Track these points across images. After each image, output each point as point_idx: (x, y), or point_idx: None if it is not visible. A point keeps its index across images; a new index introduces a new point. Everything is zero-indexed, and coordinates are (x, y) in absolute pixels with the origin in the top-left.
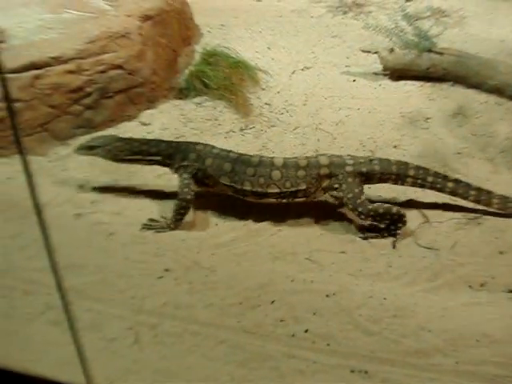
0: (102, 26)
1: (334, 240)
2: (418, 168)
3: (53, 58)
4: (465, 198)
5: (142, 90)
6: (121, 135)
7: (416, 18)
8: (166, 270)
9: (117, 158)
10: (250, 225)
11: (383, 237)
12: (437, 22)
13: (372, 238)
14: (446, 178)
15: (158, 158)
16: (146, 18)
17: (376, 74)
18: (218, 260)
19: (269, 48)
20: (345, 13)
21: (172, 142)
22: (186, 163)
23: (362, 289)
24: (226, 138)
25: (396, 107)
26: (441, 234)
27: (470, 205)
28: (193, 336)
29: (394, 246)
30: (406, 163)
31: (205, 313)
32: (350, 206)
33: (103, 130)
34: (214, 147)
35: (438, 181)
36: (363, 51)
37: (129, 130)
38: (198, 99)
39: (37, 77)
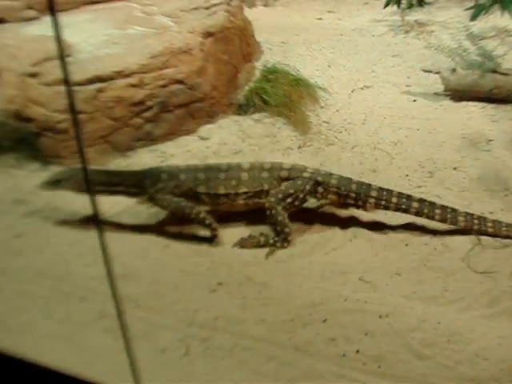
0: (164, 42)
1: (388, 261)
2: (381, 189)
3: (116, 72)
4: (431, 218)
5: (202, 104)
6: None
7: (480, 37)
8: (220, 284)
9: (82, 190)
10: (305, 242)
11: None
12: (502, 41)
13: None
14: (409, 198)
15: (124, 188)
16: (208, 34)
17: (437, 94)
18: (271, 276)
19: (329, 66)
20: (407, 32)
21: (136, 171)
22: (160, 186)
23: (415, 312)
24: (283, 154)
25: (457, 128)
26: (498, 258)
27: None
28: (243, 351)
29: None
30: (368, 184)
31: (256, 328)
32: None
33: (162, 143)
34: (177, 165)
35: (403, 201)
36: (424, 71)
37: (187, 143)
38: (256, 115)
39: (100, 90)
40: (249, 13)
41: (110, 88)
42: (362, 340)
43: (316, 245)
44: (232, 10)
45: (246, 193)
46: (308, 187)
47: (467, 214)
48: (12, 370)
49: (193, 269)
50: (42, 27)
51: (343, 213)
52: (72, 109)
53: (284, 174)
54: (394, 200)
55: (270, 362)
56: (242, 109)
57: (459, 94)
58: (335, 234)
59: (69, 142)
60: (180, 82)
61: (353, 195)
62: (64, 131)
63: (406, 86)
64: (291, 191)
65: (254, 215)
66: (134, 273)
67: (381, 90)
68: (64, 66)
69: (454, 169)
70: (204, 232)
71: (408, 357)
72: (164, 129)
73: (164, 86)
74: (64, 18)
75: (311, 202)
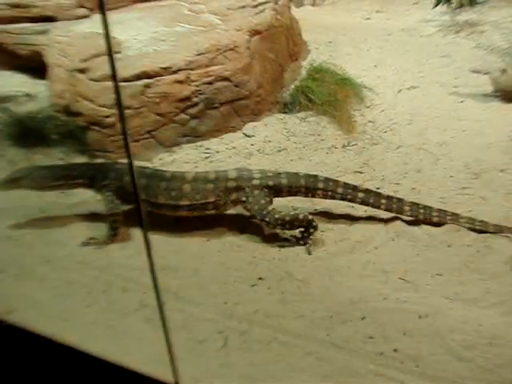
0: (211, 39)
1: (430, 261)
2: (327, 180)
3: (163, 68)
4: (376, 207)
5: (248, 102)
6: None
7: None
8: (260, 279)
9: (42, 187)
10: (345, 240)
11: (299, 244)
12: None
13: (287, 246)
14: (355, 188)
15: (81, 180)
16: (255, 32)
17: (486, 95)
18: (311, 273)
19: (375, 66)
20: (456, 32)
21: (93, 163)
22: (106, 182)
23: (456, 313)
24: (327, 153)
25: (505, 130)
26: None
27: None
28: (281, 345)
29: (309, 253)
30: (315, 176)
31: (294, 323)
32: (258, 217)
33: (207, 140)
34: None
35: (348, 191)
36: (473, 72)
37: (232, 140)
38: (302, 114)
39: (147, 86)
40: (296, 12)
41: (157, 84)
42: (401, 339)
43: (357, 243)
44: (279, 9)
45: (188, 205)
46: (256, 192)
47: (413, 203)
48: (54, 354)
49: (233, 263)
50: (92, 25)
51: (385, 213)
52: (119, 104)
53: (231, 184)
54: (340, 190)
55: (307, 357)
56: (288, 107)
57: (509, 96)
58: (377, 233)
59: (116, 137)
60: (226, 79)
61: (303, 189)
62: (111, 126)
63: (454, 86)
64: (263, 202)
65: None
66: (174, 265)
67: (428, 90)
68: (112, 62)
69: (501, 171)
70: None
71: (447, 358)
72: (209, 125)
73: (210, 83)
74: (114, 16)
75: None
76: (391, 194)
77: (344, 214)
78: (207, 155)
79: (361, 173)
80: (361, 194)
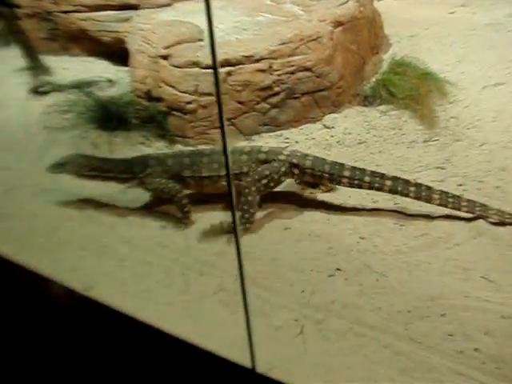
0: (294, 29)
1: None
2: (353, 169)
3: (246, 56)
4: (405, 195)
5: (328, 93)
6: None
7: None
8: (338, 270)
9: (80, 174)
10: (426, 236)
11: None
12: None
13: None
14: (383, 176)
15: (115, 174)
16: (338, 23)
17: None
18: (390, 266)
19: (459, 61)
20: None
21: (125, 158)
22: (149, 171)
23: None
24: (408, 148)
25: None
26: None
27: None
28: (357, 337)
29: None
30: (341, 164)
31: (372, 316)
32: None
33: (287, 130)
34: (164, 152)
35: (376, 180)
36: None
37: (312, 131)
38: (382, 107)
39: (229, 73)
40: (378, 4)
41: (239, 72)
42: (482, 339)
43: (438, 239)
44: (362, 1)
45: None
46: (283, 169)
47: (442, 192)
48: (132, 331)
49: (311, 253)
50: (174, 13)
51: (465, 212)
52: (217, 90)
53: (262, 156)
54: (367, 179)
55: (384, 350)
56: (368, 100)
57: None
58: (458, 230)
59: (196, 123)
60: (308, 69)
61: (326, 175)
62: (192, 112)
63: None
64: (267, 173)
65: None
66: (252, 252)
67: None
68: (213, 51)
69: None
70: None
71: None
72: (289, 115)
73: (292, 73)
74: (196, 5)
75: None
76: (474, 191)
77: (423, 210)
78: (286, 145)
79: (442, 169)
80: (388, 182)
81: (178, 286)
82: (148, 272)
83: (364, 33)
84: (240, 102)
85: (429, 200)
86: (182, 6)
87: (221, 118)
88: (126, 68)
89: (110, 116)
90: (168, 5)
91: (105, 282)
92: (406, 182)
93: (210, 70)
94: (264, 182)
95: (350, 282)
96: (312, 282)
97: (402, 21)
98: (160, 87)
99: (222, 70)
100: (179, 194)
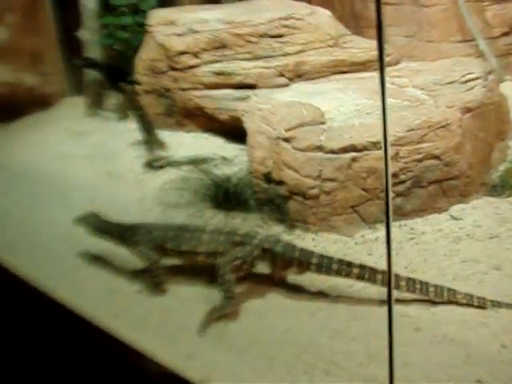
0: (421, 115)
1: None
2: (322, 256)
3: (372, 142)
4: (372, 282)
5: (456, 182)
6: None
7: None
8: (478, 382)
9: (90, 233)
10: None
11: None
12: None
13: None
14: (350, 264)
15: (112, 237)
16: (466, 110)
17: None
18: None
19: None
20: None
21: (121, 224)
22: (136, 238)
23: None
24: None
25: None
26: None
27: None
28: None
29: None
30: (311, 252)
31: None
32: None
33: (412, 219)
34: (155, 223)
35: (343, 267)
36: None
37: (438, 222)
38: None
39: (354, 159)
40: (502, 87)
41: (365, 158)
42: None
43: None
44: (489, 85)
45: (204, 252)
46: (256, 253)
47: (409, 279)
48: None
49: (446, 358)
50: (293, 94)
51: None
52: (386, 174)
53: (237, 238)
54: (335, 266)
55: None
56: (496, 190)
57: None
58: None
59: (318, 209)
60: (436, 157)
61: (296, 262)
62: (314, 197)
63: None
64: (239, 255)
65: None
66: (380, 352)
67: None
68: (385, 137)
69: None
70: None
71: None
72: (414, 204)
73: (419, 161)
74: (314, 86)
75: None
76: None
77: None
78: (412, 236)
79: None
80: (355, 270)
81: None
82: (268, 368)
83: (491, 119)
84: (364, 189)
85: (397, 287)
86: (299, 86)
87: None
88: (240, 146)
89: (226, 195)
90: (285, 85)
91: (222, 374)
92: (373, 269)
93: (334, 155)
94: (237, 263)
95: None
96: None
97: None
98: (281, 170)
99: (347, 156)
100: (154, 266)
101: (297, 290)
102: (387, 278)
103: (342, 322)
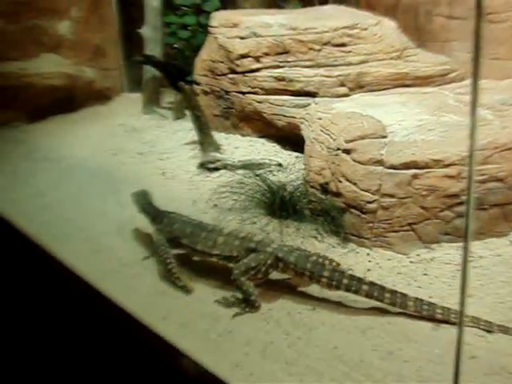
0: (487, 136)
1: None
2: (333, 270)
3: (435, 160)
4: (380, 301)
5: None
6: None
7: None
8: None
9: (138, 210)
10: None
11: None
12: None
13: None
14: (360, 280)
15: (149, 217)
16: None
17: None
18: None
19: None
20: None
21: (158, 208)
22: (160, 227)
23: None
24: None
25: None
26: None
27: None
28: None
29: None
30: (323, 264)
31: None
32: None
33: (470, 242)
34: (182, 216)
35: (353, 283)
36: None
37: (498, 247)
38: None
39: (415, 176)
40: None
41: (426, 176)
42: None
43: None
44: None
45: (217, 254)
46: (269, 261)
47: (417, 299)
48: None
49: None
50: (353, 105)
51: None
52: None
53: (251, 245)
54: (345, 281)
55: None
56: None
57: None
58: None
59: (374, 224)
60: (500, 180)
61: (308, 273)
62: (372, 212)
63: None
64: (253, 264)
65: None
66: (432, 378)
67: None
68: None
69: None
70: None
71: None
72: (474, 227)
73: (482, 182)
74: (375, 98)
75: None
76: None
77: None
78: (470, 259)
79: None
80: (365, 287)
81: None
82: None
83: None
84: (423, 208)
85: (404, 307)
86: (360, 97)
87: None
88: (295, 154)
89: (281, 203)
90: (346, 95)
91: None
92: (382, 287)
93: (395, 171)
94: (252, 272)
95: None
96: None
97: None
98: (339, 182)
99: (408, 172)
100: (165, 255)
101: (346, 305)
102: (395, 299)
103: (394, 342)
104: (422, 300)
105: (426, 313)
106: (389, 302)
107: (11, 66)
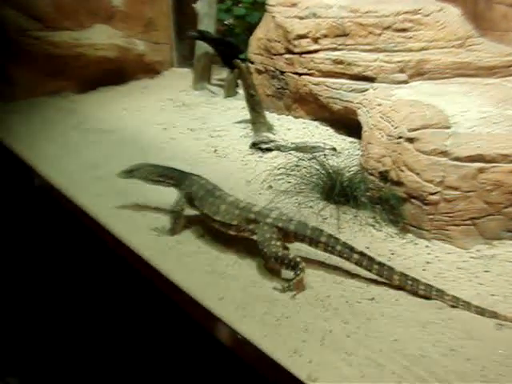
0: None
1: None
2: (329, 236)
3: (501, 154)
4: (368, 271)
5: None
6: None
7: None
8: None
9: (147, 179)
10: None
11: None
12: None
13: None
14: (352, 249)
15: (172, 181)
16: None
17: None
18: None
19: None
20: None
21: (180, 171)
22: (183, 187)
23: None
24: None
25: None
26: None
27: None
28: None
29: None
30: (321, 230)
31: None
32: (259, 247)
33: None
34: (202, 179)
35: (346, 251)
36: None
37: None
38: None
39: (481, 170)
40: None
41: (492, 170)
42: None
43: None
44: None
45: (219, 221)
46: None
47: (403, 274)
48: None
49: None
50: (412, 92)
51: None
52: None
53: (251, 216)
54: (338, 248)
55: None
56: None
57: None
58: None
59: (435, 216)
60: None
61: (307, 239)
62: (434, 204)
63: None
64: (268, 236)
65: None
66: (497, 378)
67: None
68: None
69: None
70: None
71: None
72: None
73: None
74: (434, 87)
75: None
76: None
77: None
78: None
79: None
80: (356, 256)
81: None
82: (378, 376)
83: None
84: (487, 203)
85: (390, 280)
86: (419, 85)
87: None
88: (349, 139)
89: (339, 189)
90: (405, 82)
91: (329, 374)
92: (371, 259)
93: (460, 163)
94: (272, 242)
95: None
96: None
97: None
98: (401, 171)
99: (474, 166)
100: (177, 209)
101: (405, 297)
102: (382, 271)
103: (455, 339)
104: (407, 275)
105: (409, 287)
106: (376, 273)
107: (64, 35)
